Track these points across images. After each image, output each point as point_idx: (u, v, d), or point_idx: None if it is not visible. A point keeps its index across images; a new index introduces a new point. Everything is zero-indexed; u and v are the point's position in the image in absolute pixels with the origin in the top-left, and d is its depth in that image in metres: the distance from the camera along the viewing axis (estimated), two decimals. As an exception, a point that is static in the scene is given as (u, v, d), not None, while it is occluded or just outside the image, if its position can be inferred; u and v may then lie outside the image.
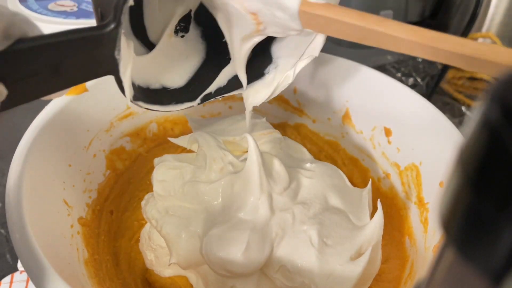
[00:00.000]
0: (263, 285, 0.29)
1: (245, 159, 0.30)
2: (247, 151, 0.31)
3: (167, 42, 0.29)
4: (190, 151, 0.35)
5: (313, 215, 0.30)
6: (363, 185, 0.39)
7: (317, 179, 0.32)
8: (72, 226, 0.30)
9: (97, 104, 0.35)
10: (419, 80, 0.60)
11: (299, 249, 0.29)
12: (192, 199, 0.31)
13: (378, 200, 0.31)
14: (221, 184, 0.30)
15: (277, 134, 0.35)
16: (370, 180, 0.34)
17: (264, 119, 0.36)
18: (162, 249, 0.32)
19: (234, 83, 0.31)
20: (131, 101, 0.25)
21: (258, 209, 0.29)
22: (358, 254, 0.29)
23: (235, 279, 0.29)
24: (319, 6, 0.21)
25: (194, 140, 0.33)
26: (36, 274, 0.22)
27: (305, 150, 0.36)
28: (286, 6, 0.22)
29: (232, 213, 0.29)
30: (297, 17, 0.22)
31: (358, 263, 0.28)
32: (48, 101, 0.32)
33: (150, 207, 0.32)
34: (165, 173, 0.32)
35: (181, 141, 0.34)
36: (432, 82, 0.59)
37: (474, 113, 0.10)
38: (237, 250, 0.28)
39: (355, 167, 0.41)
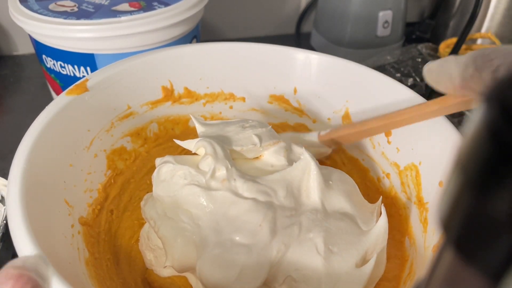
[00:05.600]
0: None
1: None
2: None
3: None
4: (191, 152, 0.34)
5: (320, 222, 0.29)
6: (363, 184, 0.39)
7: (331, 185, 0.32)
8: (72, 225, 0.30)
9: (97, 104, 0.35)
10: (418, 80, 0.60)
11: (305, 258, 0.28)
12: (190, 203, 0.30)
13: (382, 205, 0.31)
14: (219, 196, 0.29)
15: (282, 143, 0.34)
16: (381, 197, 0.34)
17: (270, 127, 0.35)
18: (160, 250, 0.32)
19: None
20: None
21: (256, 234, 0.28)
22: (364, 260, 0.29)
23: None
24: (327, 134, 0.38)
25: (201, 146, 0.32)
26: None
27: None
28: (310, 140, 0.39)
29: (227, 234, 0.28)
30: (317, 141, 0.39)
31: (364, 270, 0.28)
32: (49, 101, 0.32)
33: (149, 207, 0.32)
34: (166, 174, 0.31)
35: (187, 144, 0.33)
36: (431, 82, 0.59)
37: (474, 113, 0.10)
38: (229, 276, 0.27)
39: (355, 167, 0.41)
